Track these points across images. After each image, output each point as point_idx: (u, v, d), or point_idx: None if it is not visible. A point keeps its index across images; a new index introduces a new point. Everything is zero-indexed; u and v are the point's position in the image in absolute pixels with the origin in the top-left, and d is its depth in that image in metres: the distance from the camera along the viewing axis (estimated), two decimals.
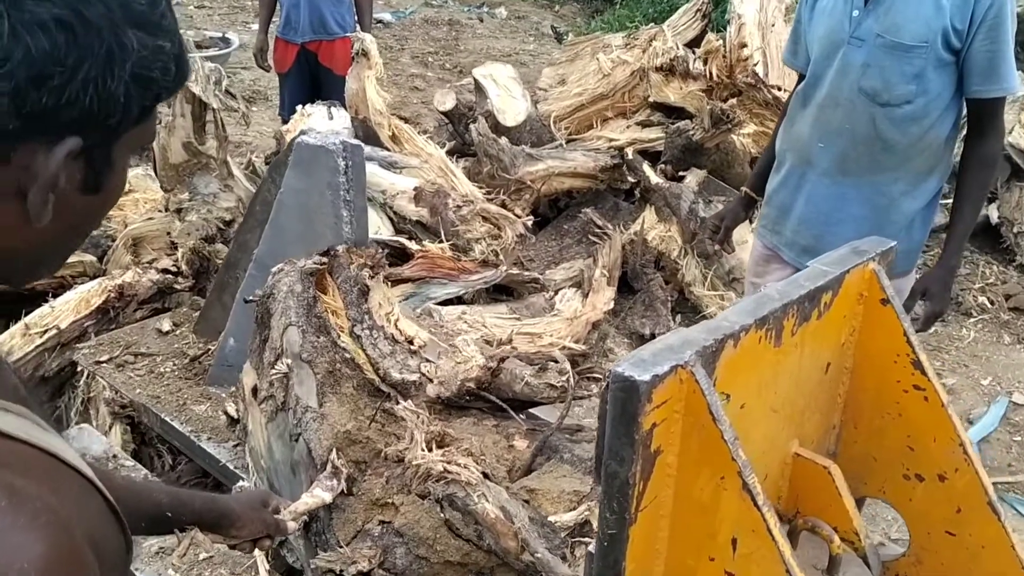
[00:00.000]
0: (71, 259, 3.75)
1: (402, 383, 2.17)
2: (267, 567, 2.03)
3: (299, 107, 4.87)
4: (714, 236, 3.05)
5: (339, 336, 2.15)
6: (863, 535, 1.41)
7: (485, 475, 1.87)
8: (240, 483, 2.22)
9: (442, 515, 1.80)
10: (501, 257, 3.96)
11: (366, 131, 4.58)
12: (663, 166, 4.72)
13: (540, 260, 4.74)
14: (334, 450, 2.01)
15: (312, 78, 5.58)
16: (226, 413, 2.61)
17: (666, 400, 1.15)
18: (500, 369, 2.29)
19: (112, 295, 3.46)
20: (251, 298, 2.22)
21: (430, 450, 1.93)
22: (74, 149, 0.74)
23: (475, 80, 5.14)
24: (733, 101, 4.69)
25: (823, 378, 1.54)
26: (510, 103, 5.01)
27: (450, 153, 5.13)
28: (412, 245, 3.87)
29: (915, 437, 1.55)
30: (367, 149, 4.29)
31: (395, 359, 2.20)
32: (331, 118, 4.58)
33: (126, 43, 0.74)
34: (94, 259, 4.11)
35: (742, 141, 4.72)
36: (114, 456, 2.45)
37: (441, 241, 3.95)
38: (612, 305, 4.32)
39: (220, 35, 8.27)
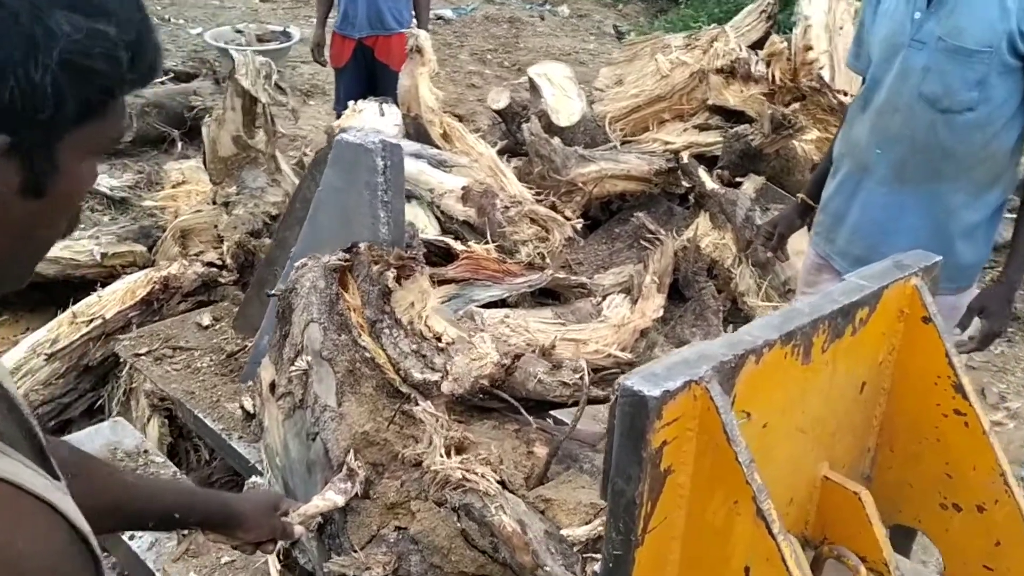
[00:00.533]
0: (121, 248, 3.84)
1: (423, 383, 2.16)
2: (278, 568, 2.04)
3: (351, 102, 4.93)
4: (767, 243, 2.99)
5: (360, 335, 2.14)
6: (892, 566, 1.36)
7: (503, 484, 1.85)
8: (253, 478, 2.24)
9: (458, 524, 1.80)
10: (548, 260, 3.94)
11: (417, 128, 4.61)
12: (720, 171, 4.65)
13: (589, 264, 4.71)
14: (351, 451, 2.01)
15: (368, 73, 5.62)
16: (242, 407, 2.65)
17: (678, 417, 1.13)
18: (515, 367, 2.25)
19: (157, 287, 3.54)
20: (273, 292, 2.24)
21: (448, 456, 1.92)
22: (1, 147, 0.69)
23: (530, 79, 5.14)
24: (796, 106, 4.60)
25: (857, 398, 1.51)
26: (565, 103, 4.99)
27: (502, 152, 5.13)
28: (457, 245, 3.88)
29: (954, 464, 1.50)
30: (416, 147, 4.32)
31: (417, 359, 2.19)
32: (382, 114, 4.62)
33: (52, 27, 0.67)
34: (144, 249, 4.21)
35: (804, 147, 4.63)
36: (145, 451, 2.50)
37: (487, 242, 3.94)
38: (661, 313, 4.27)
39: (281, 29, 8.40)
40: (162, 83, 6.68)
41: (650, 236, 4.56)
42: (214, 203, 3.82)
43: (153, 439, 3.06)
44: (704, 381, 1.14)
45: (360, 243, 2.21)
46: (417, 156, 4.30)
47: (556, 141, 4.66)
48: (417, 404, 2.12)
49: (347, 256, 2.20)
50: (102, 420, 3.55)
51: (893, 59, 2.37)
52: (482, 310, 3.64)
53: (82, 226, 4.69)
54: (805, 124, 4.36)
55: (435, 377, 2.16)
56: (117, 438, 2.55)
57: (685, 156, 4.62)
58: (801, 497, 1.47)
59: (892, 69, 2.38)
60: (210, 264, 3.66)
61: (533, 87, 5.09)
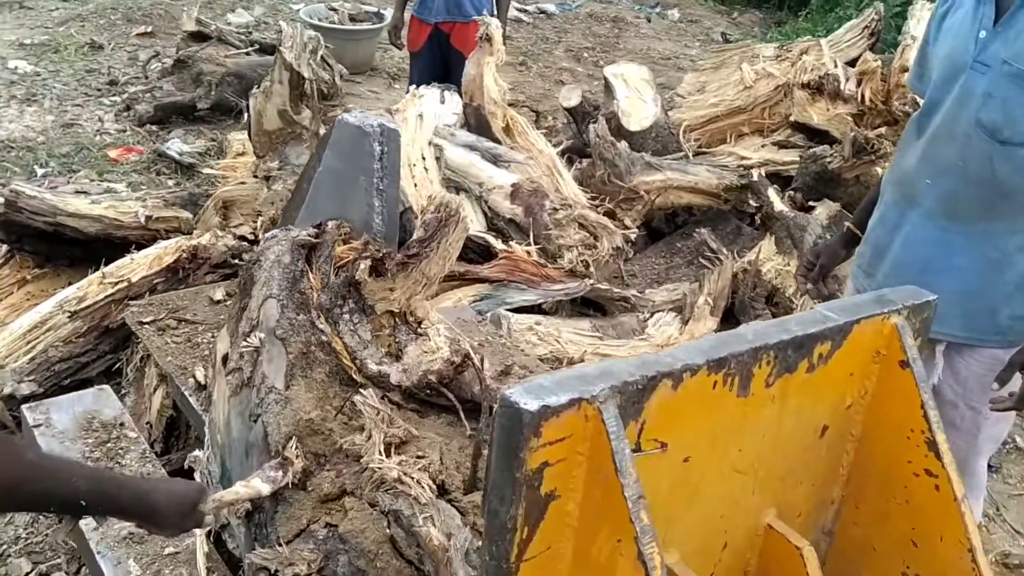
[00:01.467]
0: (166, 213, 3.92)
1: (378, 376, 2.11)
2: (205, 550, 2.03)
3: (423, 86, 4.94)
4: (808, 274, 2.82)
5: (319, 316, 2.10)
6: None
7: (441, 488, 1.79)
8: (195, 453, 2.23)
9: (387, 530, 1.74)
10: (591, 269, 3.85)
11: (479, 119, 4.58)
12: (792, 193, 4.47)
13: (643, 276, 4.59)
14: (293, 439, 1.97)
15: (443, 59, 5.64)
16: (194, 377, 2.65)
17: (564, 437, 1.07)
18: (465, 367, 2.18)
19: (185, 255, 3.60)
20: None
21: (388, 454, 1.87)
22: None
23: (605, 78, 5.05)
24: (883, 130, 4.38)
25: (816, 442, 1.42)
26: (638, 106, 4.89)
27: (567, 152, 5.06)
28: (497, 244, 3.83)
29: (921, 531, 1.39)
30: (471, 138, 4.29)
31: (375, 348, 2.14)
32: (443, 102, 4.61)
33: None
34: (189, 216, 4.29)
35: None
36: (121, 424, 2.53)
37: (530, 243, 3.88)
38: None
39: (375, 10, 8.51)
40: (247, 54, 6.85)
41: (711, 254, 4.42)
42: (255, 176, 3.86)
43: (154, 410, 3.10)
44: (597, 400, 1.07)
45: (329, 222, 2.18)
46: (471, 148, 4.27)
47: (622, 145, 4.56)
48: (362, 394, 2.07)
49: (317, 232, 2.17)
50: (116, 383, 3.65)
51: (953, 82, 2.21)
52: (511, 314, 3.58)
53: (126, 186, 4.84)
54: (889, 151, 4.15)
55: (391, 371, 2.11)
56: (97, 407, 2.59)
57: (757, 174, 4.45)
58: (739, 543, 1.37)
59: (951, 92, 2.21)
60: (241, 238, 3.70)
61: (607, 87, 5.00)
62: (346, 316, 2.17)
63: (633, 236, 4.25)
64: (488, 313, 3.59)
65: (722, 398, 1.21)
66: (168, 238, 4.12)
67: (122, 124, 6.23)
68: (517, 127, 4.62)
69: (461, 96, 4.66)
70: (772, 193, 4.34)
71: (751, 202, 4.51)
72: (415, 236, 2.28)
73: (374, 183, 2.23)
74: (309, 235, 2.17)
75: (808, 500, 1.43)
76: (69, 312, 3.58)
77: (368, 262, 2.14)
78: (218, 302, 3.18)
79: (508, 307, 3.70)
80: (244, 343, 2.09)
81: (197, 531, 1.88)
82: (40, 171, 5.50)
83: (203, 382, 2.62)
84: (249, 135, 3.90)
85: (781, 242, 4.27)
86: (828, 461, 1.43)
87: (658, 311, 4.25)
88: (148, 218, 4.15)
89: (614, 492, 1.06)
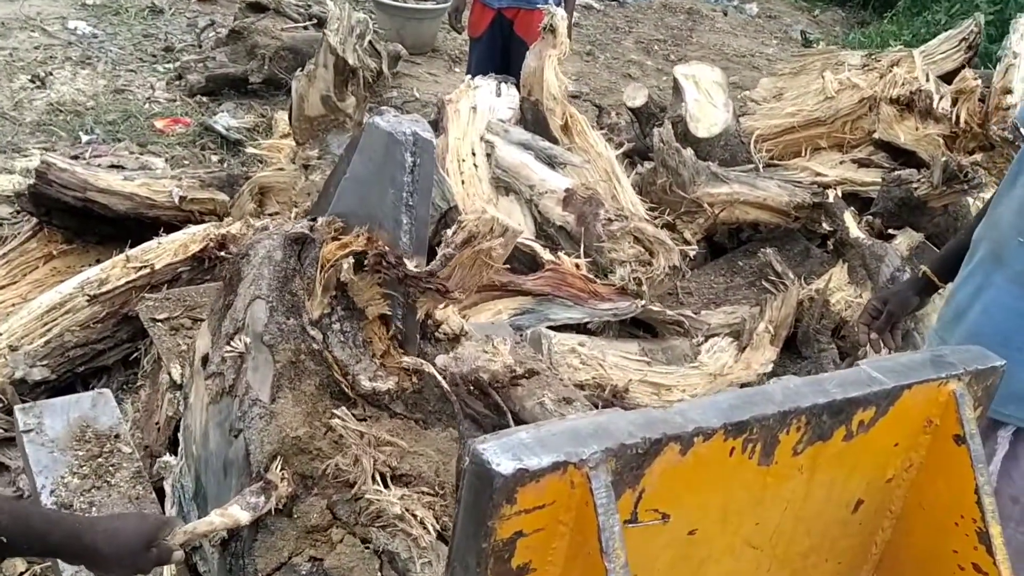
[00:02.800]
0: (202, 195, 3.71)
1: (373, 393, 1.89)
2: (172, 573, 1.82)
3: (480, 76, 4.67)
4: (871, 322, 2.46)
5: (311, 323, 1.88)
6: None
7: (441, 533, 1.58)
8: (165, 458, 2.02)
9: (379, 573, 1.58)
10: (644, 288, 3.55)
11: (536, 115, 4.29)
12: (871, 218, 4.11)
13: (700, 296, 4.28)
14: (278, 459, 1.77)
15: (504, 47, 5.34)
16: (169, 375, 2.43)
17: (544, 505, 0.91)
18: (522, 380, 2.04)
19: (212, 244, 3.38)
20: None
21: (386, 484, 1.69)
22: None
23: (674, 79, 4.72)
24: (978, 156, 3.99)
25: (848, 518, 1.25)
26: (708, 111, 4.55)
27: (630, 155, 4.76)
28: (544, 253, 3.55)
29: None
30: (526, 136, 4.01)
31: (369, 361, 1.92)
32: (498, 94, 4.33)
33: None
34: (226, 199, 4.08)
35: (979, 207, 4.01)
36: (116, 436, 2.31)
37: (579, 256, 3.59)
38: (770, 368, 3.82)
39: None
40: (304, 28, 6.64)
41: (775, 278, 4.09)
42: (293, 163, 3.63)
43: (164, 411, 2.89)
44: (587, 465, 0.91)
45: (319, 218, 1.95)
46: (525, 147, 3.99)
47: (688, 153, 4.24)
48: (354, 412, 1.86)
49: (312, 225, 1.95)
50: (133, 374, 3.46)
51: None
52: (552, 333, 3.30)
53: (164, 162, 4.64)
54: (984, 181, 3.76)
55: (386, 386, 1.88)
56: (94, 414, 2.37)
57: (832, 194, 4.10)
58: None
59: None
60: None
61: (676, 88, 4.67)
62: (336, 326, 1.93)
63: (692, 253, 3.93)
64: (528, 330, 3.31)
65: (740, 466, 1.07)
66: (202, 221, 3.93)
67: (172, 93, 6.06)
68: (576, 126, 4.32)
69: (519, 89, 4.37)
70: (848, 216, 3.99)
71: (824, 224, 4.16)
72: (440, 254, 2.02)
73: (403, 198, 1.95)
74: (304, 228, 1.93)
75: None
76: (89, 295, 3.40)
77: (351, 259, 1.88)
78: None
79: (551, 324, 3.42)
80: (228, 347, 1.88)
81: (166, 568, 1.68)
82: (85, 138, 5.34)
83: (179, 381, 2.41)
84: (290, 119, 3.67)
85: (854, 271, 3.93)
86: (860, 539, 1.28)
87: (713, 335, 3.94)
88: (182, 199, 3.95)
89: (597, 574, 0.89)
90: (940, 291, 2.41)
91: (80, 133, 5.39)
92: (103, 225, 3.86)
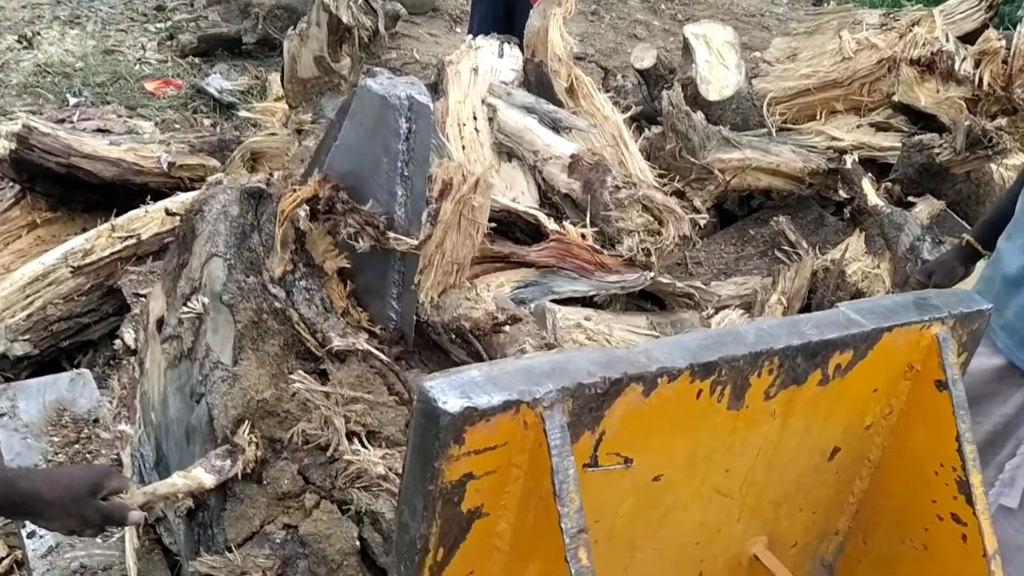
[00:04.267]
0: (191, 160, 3.53)
1: (345, 351, 1.80)
2: (135, 545, 1.72)
3: (481, 36, 4.47)
4: None
5: (271, 281, 1.79)
6: None
7: None
8: (121, 426, 1.91)
9: (355, 538, 1.53)
10: (653, 258, 3.38)
11: (539, 77, 4.10)
12: (890, 185, 3.93)
13: (710, 266, 4.12)
14: (245, 423, 1.70)
15: (506, 6, 5.16)
16: (122, 340, 2.32)
17: (496, 446, 0.85)
18: (504, 327, 2.00)
19: None
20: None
21: (363, 444, 1.64)
22: None
23: (684, 39, 4.51)
24: (1002, 121, 3.81)
25: (823, 466, 1.20)
26: (719, 73, 4.36)
27: (637, 119, 4.56)
28: (549, 223, 3.39)
29: None
30: (530, 99, 3.82)
31: (335, 318, 1.84)
32: (501, 55, 4.14)
33: None
34: (217, 164, 3.91)
35: (1002, 174, 3.84)
36: (95, 421, 2.19)
37: (585, 225, 3.43)
38: None
39: None
40: None
41: (788, 247, 3.93)
42: (285, 127, 3.46)
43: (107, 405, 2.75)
44: (541, 405, 0.87)
45: (276, 172, 1.91)
46: (529, 110, 3.81)
47: (698, 117, 4.06)
48: (324, 374, 1.79)
49: (268, 179, 1.87)
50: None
51: None
52: (557, 307, 3.14)
53: (153, 126, 4.47)
54: (1009, 146, 3.58)
55: (358, 344, 1.80)
56: (72, 396, 2.24)
57: (849, 160, 3.92)
58: (716, 574, 1.14)
59: None
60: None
61: (686, 49, 4.47)
62: (300, 283, 1.84)
63: (703, 222, 3.76)
64: (532, 304, 3.16)
65: (708, 409, 1.03)
66: (193, 188, 3.76)
67: (164, 54, 5.86)
68: (582, 88, 4.13)
69: (522, 50, 4.17)
70: (866, 183, 3.82)
71: (840, 192, 3.98)
72: (424, 213, 1.89)
73: (398, 167, 1.79)
74: (260, 182, 1.85)
75: (807, 530, 1.22)
76: (72, 267, 3.25)
77: (305, 207, 1.78)
78: None
79: (555, 297, 3.26)
80: (185, 308, 1.78)
81: (126, 528, 1.60)
82: (73, 100, 5.16)
83: (132, 346, 2.30)
84: (282, 81, 3.49)
85: (872, 240, 3.77)
86: (836, 487, 1.23)
87: (724, 307, 3.79)
88: (171, 165, 3.78)
89: (551, 520, 0.83)
90: (985, 257, 2.29)
91: (68, 95, 5.21)
92: (88, 192, 3.70)
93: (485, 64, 4.01)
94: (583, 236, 3.39)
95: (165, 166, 3.78)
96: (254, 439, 1.71)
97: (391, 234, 1.80)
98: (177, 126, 4.90)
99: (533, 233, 3.40)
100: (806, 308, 3.78)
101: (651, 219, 3.51)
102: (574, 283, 3.28)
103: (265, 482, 1.71)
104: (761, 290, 3.79)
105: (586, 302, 3.36)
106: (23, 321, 3.17)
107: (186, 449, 1.78)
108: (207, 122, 5.09)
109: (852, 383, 1.19)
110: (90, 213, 3.75)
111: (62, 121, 4.97)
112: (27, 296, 3.25)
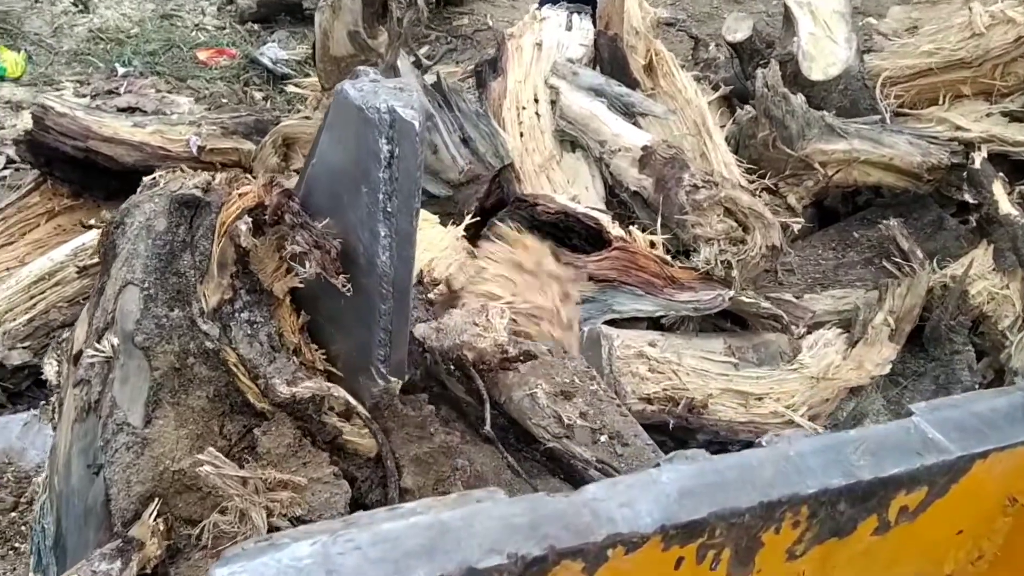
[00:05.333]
0: (224, 144, 3.19)
1: (293, 402, 1.48)
2: None
3: (548, 5, 3.99)
4: None
5: (203, 315, 1.46)
6: None
7: None
8: (38, 479, 1.60)
9: None
10: (734, 273, 2.89)
11: (613, 53, 3.61)
12: None
13: (803, 274, 3.58)
14: (154, 503, 1.39)
15: None
16: (41, 372, 2.00)
17: None
18: (515, 364, 1.76)
19: None
20: None
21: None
22: None
23: (786, 7, 3.93)
24: None
25: None
26: (826, 48, 3.78)
27: (728, 98, 4.03)
28: (612, 228, 2.92)
29: None
30: (599, 80, 3.35)
31: (285, 359, 1.50)
32: (569, 28, 3.65)
33: None
34: (252, 148, 3.56)
35: None
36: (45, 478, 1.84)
37: (654, 231, 2.95)
38: (887, 370, 3.13)
39: None
40: None
41: (899, 258, 3.37)
42: (315, 110, 3.07)
43: None
44: None
45: (218, 175, 1.58)
46: (597, 93, 3.33)
47: (798, 100, 3.51)
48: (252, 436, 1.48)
49: (207, 186, 1.53)
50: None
51: None
52: (615, 332, 2.69)
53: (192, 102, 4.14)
54: None
55: (312, 391, 1.48)
56: (23, 445, 1.90)
57: (978, 157, 3.32)
58: None
59: None
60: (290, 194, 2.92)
61: (788, 19, 3.89)
62: (241, 315, 1.49)
63: (797, 227, 3.24)
64: (586, 326, 2.71)
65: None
66: (224, 172, 3.43)
67: (223, 20, 5.54)
68: (662, 66, 3.62)
69: (595, 22, 3.68)
70: (997, 187, 3.23)
71: (967, 196, 3.38)
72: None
73: (379, 201, 1.37)
74: (196, 187, 1.51)
75: None
76: (79, 267, 2.94)
77: (248, 221, 1.44)
78: None
79: (615, 317, 2.81)
80: (96, 346, 1.46)
81: None
82: (121, 70, 4.89)
83: (54, 381, 2.00)
84: (314, 60, 3.10)
85: (1002, 255, 3.19)
86: None
87: (819, 324, 3.27)
88: (201, 148, 3.45)
89: None
90: None
91: (116, 65, 4.94)
92: (110, 179, 3.40)
93: (551, 38, 3.54)
94: (652, 244, 2.92)
95: (195, 150, 3.44)
96: (161, 526, 1.40)
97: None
98: (224, 100, 4.58)
99: (593, 239, 2.95)
100: (918, 332, 3.23)
101: (734, 225, 3.01)
102: (638, 301, 2.82)
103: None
104: (864, 307, 3.26)
105: (652, 323, 2.90)
106: (23, 326, 2.90)
107: (83, 533, 1.47)
108: (258, 95, 4.76)
109: (925, 527, 0.93)
110: (111, 201, 3.45)
111: (110, 92, 4.73)
112: (31, 297, 2.98)
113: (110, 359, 1.45)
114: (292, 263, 1.44)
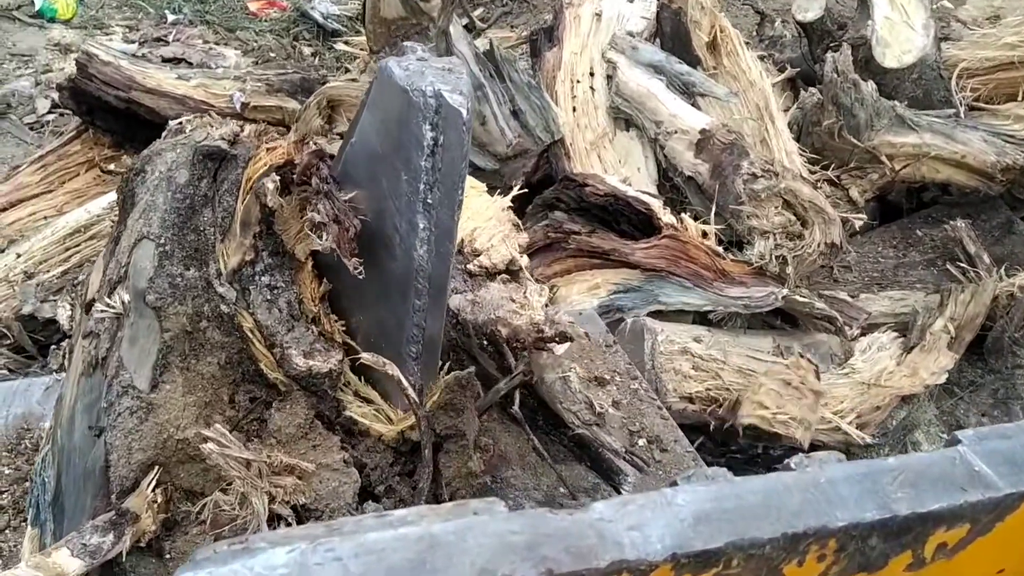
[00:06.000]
0: (268, 101, 3.12)
1: (309, 375, 1.41)
2: None
3: None
4: None
5: (220, 276, 1.39)
6: None
7: None
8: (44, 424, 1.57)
9: None
10: (789, 269, 2.76)
11: (676, 27, 3.45)
12: None
13: (861, 271, 3.44)
14: (154, 471, 1.34)
15: None
16: (54, 319, 1.95)
17: None
18: (551, 344, 1.67)
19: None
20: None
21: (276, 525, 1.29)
22: None
23: None
24: None
25: None
26: (901, 34, 3.59)
27: (793, 80, 3.86)
28: (663, 215, 2.80)
29: None
30: (659, 56, 3.21)
31: (305, 329, 1.43)
32: (631, 0, 3.49)
33: None
34: (297, 107, 3.48)
35: None
36: None
37: (706, 221, 2.82)
38: (943, 380, 2.99)
39: None
40: None
41: (963, 262, 3.21)
42: (362, 73, 2.97)
43: None
44: None
45: (247, 126, 1.49)
46: (656, 70, 3.19)
47: (868, 87, 3.34)
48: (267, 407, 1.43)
49: (235, 138, 1.42)
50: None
51: None
52: (659, 326, 2.57)
53: (238, 55, 4.06)
54: None
55: (329, 365, 1.41)
56: (44, 409, 1.84)
57: None
58: None
59: None
60: (322, 155, 2.83)
61: (863, 1, 3.69)
62: (261, 279, 1.42)
63: (858, 224, 3.08)
64: (629, 317, 2.61)
65: None
66: (268, 130, 3.35)
67: None
68: (727, 44, 3.46)
69: None
70: None
71: None
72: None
73: (420, 190, 1.28)
74: (223, 139, 1.40)
75: None
76: (115, 220, 2.89)
77: (275, 178, 1.36)
78: None
79: (660, 308, 2.70)
80: (107, 300, 1.39)
81: None
82: (171, 17, 4.83)
83: (66, 326, 1.95)
84: (363, 20, 2.99)
85: None
86: None
87: (873, 327, 3.13)
88: (245, 105, 3.38)
89: None
90: None
91: (167, 11, 4.87)
92: (151, 131, 3.33)
93: (611, 8, 3.39)
94: (704, 235, 2.79)
95: (238, 106, 3.37)
96: (159, 497, 1.34)
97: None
98: (272, 54, 4.49)
99: (643, 225, 2.83)
100: (979, 341, 3.07)
101: (792, 219, 2.87)
102: (686, 293, 2.71)
103: (167, 556, 1.35)
104: (923, 311, 3.11)
105: (698, 316, 2.78)
106: (57, 279, 2.86)
107: (81, 496, 1.41)
108: (307, 50, 4.67)
109: (963, 565, 0.86)
110: None
111: (158, 40, 4.66)
112: (66, 249, 2.94)
113: (120, 316, 1.38)
114: (309, 232, 1.36)
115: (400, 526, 0.69)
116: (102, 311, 1.39)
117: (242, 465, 1.32)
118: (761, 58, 3.74)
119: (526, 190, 2.90)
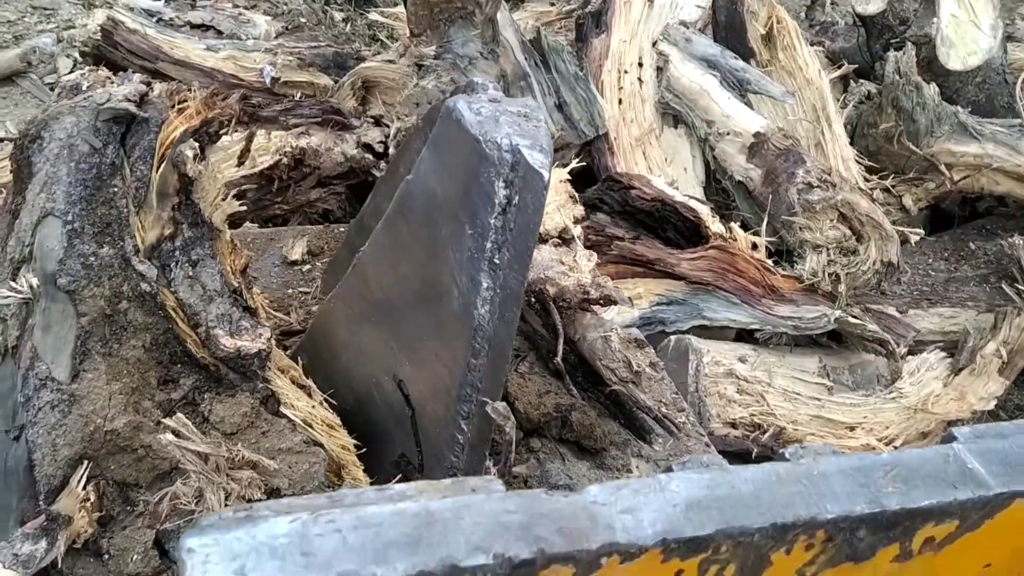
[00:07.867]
0: (300, 76, 3.00)
1: (237, 357, 1.35)
2: None
3: None
4: None
5: (138, 252, 1.31)
6: None
7: None
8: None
9: None
10: (841, 287, 2.64)
11: (731, 17, 3.29)
12: None
13: (910, 284, 3.30)
14: (83, 466, 1.27)
15: None
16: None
17: None
18: (593, 305, 1.74)
19: (286, 160, 2.67)
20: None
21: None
22: None
23: None
24: None
25: None
26: (968, 34, 3.42)
27: (847, 77, 3.70)
28: (712, 223, 2.67)
29: None
30: (714, 50, 3.07)
31: (232, 305, 1.36)
32: None
33: None
34: (330, 83, 3.34)
35: None
36: None
37: (756, 232, 2.69)
38: (991, 406, 2.88)
39: None
40: None
41: (1019, 283, 3.07)
42: (401, 57, 2.83)
43: None
44: None
45: (156, 85, 1.37)
46: (710, 65, 3.03)
47: (931, 91, 3.18)
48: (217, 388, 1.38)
49: (143, 96, 1.33)
50: None
51: None
52: (705, 346, 2.46)
53: (268, 22, 3.90)
54: None
55: (258, 345, 1.35)
56: None
57: None
58: None
59: None
60: (367, 147, 2.72)
61: None
62: (181, 255, 1.36)
63: (915, 239, 2.95)
64: (672, 332, 2.50)
65: None
66: (301, 102, 3.23)
67: None
68: (783, 37, 3.30)
69: None
70: None
71: None
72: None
73: (486, 248, 1.16)
74: (128, 99, 1.30)
75: None
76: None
77: (194, 145, 1.29)
78: (292, 263, 2.26)
79: (704, 323, 2.59)
80: (10, 284, 1.30)
81: None
82: None
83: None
84: (404, 2, 2.85)
85: None
86: None
87: (921, 345, 3.00)
88: (275, 80, 3.24)
89: None
90: None
91: None
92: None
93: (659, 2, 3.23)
94: (754, 246, 2.66)
95: (268, 80, 3.24)
96: (91, 494, 1.27)
97: None
98: (303, 19, 4.33)
99: (690, 232, 2.70)
100: None
101: (848, 233, 2.74)
102: (732, 310, 2.59)
103: (106, 555, 1.28)
104: (975, 332, 2.99)
105: (742, 334, 2.67)
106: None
107: (3, 494, 1.34)
108: (338, 16, 4.51)
109: (950, 559, 0.89)
110: None
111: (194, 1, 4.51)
112: None
113: (28, 301, 1.29)
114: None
115: (400, 500, 0.70)
116: (6, 296, 1.31)
117: (199, 459, 1.25)
118: (810, 43, 3.57)
119: (584, 163, 2.79)
